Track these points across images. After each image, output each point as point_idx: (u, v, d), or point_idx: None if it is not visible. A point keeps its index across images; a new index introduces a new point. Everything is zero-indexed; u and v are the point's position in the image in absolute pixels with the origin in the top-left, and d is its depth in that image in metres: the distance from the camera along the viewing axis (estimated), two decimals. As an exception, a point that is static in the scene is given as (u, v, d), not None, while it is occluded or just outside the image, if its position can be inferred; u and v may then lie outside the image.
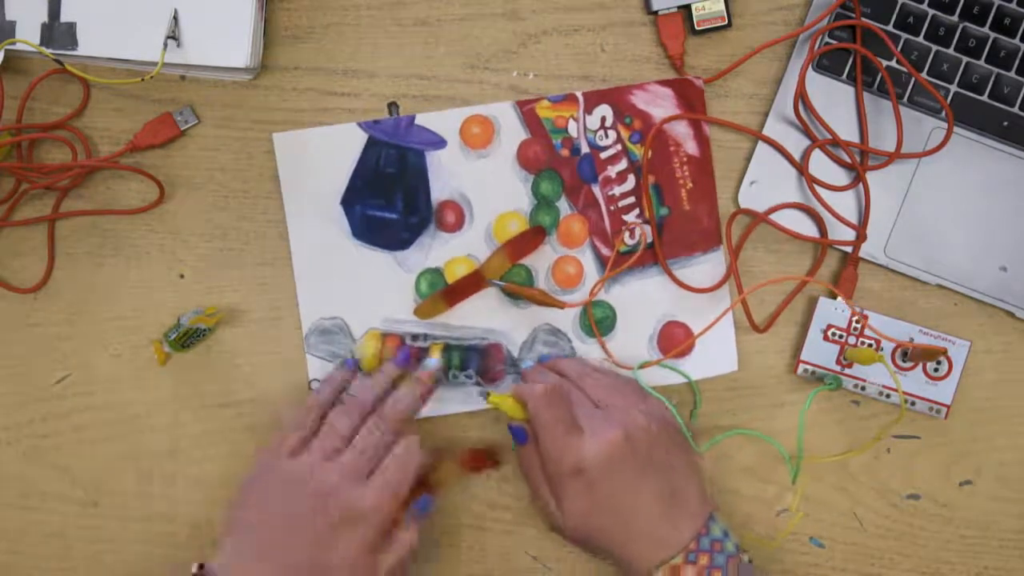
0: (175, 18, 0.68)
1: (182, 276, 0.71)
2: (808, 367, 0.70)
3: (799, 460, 0.68)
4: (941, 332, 0.69)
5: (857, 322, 0.69)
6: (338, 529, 0.60)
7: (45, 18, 0.68)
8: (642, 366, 0.69)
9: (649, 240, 0.70)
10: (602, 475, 0.61)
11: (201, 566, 0.60)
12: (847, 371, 0.69)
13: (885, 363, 0.65)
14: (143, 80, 0.67)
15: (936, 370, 0.69)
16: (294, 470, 0.62)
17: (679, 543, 0.61)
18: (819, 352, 0.69)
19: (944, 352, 0.67)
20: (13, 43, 0.67)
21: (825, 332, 0.69)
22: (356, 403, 0.65)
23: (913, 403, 0.69)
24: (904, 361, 0.69)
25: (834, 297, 0.70)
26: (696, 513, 0.62)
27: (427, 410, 0.70)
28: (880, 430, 0.70)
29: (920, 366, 0.69)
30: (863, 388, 0.69)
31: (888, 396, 0.69)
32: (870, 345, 0.69)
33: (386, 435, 0.64)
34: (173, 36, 0.67)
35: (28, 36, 0.68)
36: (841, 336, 0.69)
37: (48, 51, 0.68)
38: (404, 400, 0.66)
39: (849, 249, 0.69)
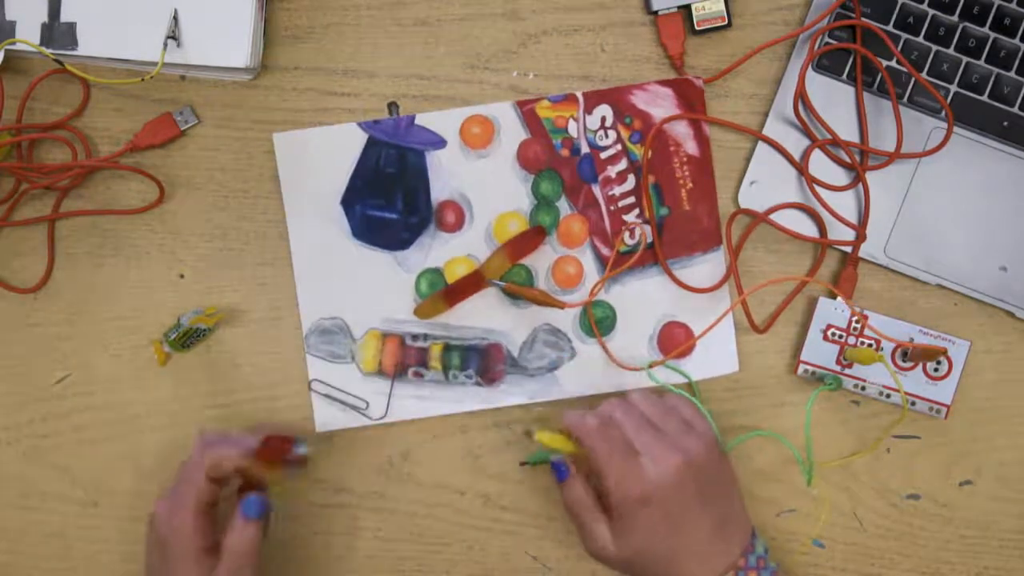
0: (175, 18, 0.68)
1: (182, 276, 0.71)
2: (808, 367, 0.70)
3: (810, 459, 0.68)
4: (941, 332, 0.69)
5: (857, 322, 0.69)
6: (165, 561, 0.62)
7: (45, 18, 0.68)
8: (651, 365, 0.69)
9: (649, 240, 0.70)
10: (667, 502, 0.61)
11: None
12: (847, 371, 0.69)
13: (885, 363, 0.65)
14: (143, 80, 0.67)
15: (936, 370, 0.69)
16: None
17: (729, 561, 0.62)
18: (819, 352, 0.69)
19: (944, 352, 0.67)
20: (13, 43, 0.67)
21: (825, 332, 0.69)
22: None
23: (913, 403, 0.69)
24: (904, 361, 0.69)
25: (834, 297, 0.70)
26: (742, 531, 0.63)
27: (427, 410, 0.70)
28: (883, 430, 0.70)
29: (920, 366, 0.69)
30: (863, 388, 0.69)
31: (888, 396, 0.69)
32: (870, 345, 0.69)
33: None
34: (173, 36, 0.67)
35: (28, 36, 0.68)
36: (841, 336, 0.69)
37: (48, 51, 0.68)
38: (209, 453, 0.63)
39: (849, 249, 0.69)
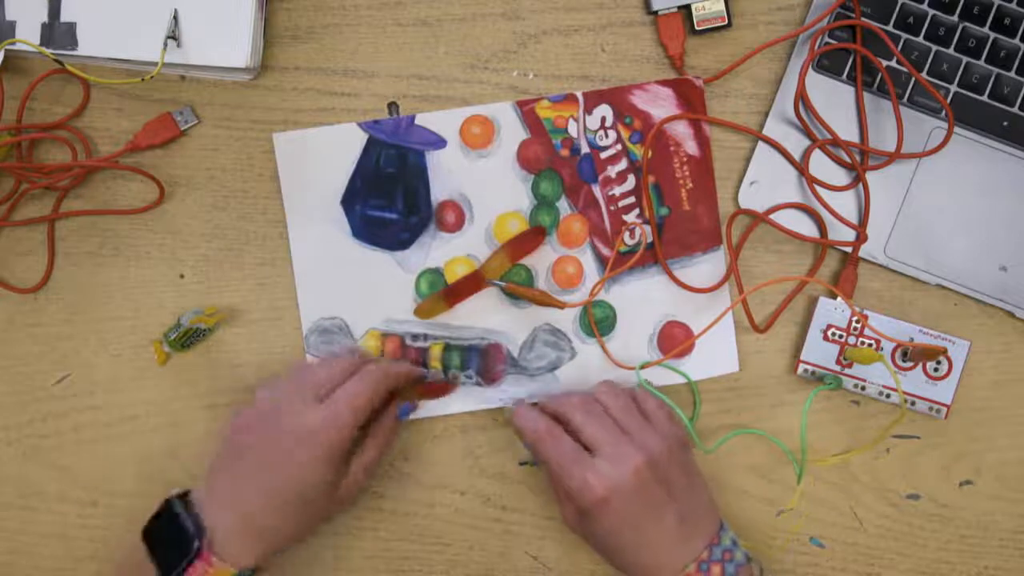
0: (175, 18, 0.68)
1: (182, 276, 0.71)
2: (808, 367, 0.70)
3: (803, 459, 0.68)
4: (941, 332, 0.69)
5: (857, 322, 0.69)
6: (293, 449, 0.62)
7: (45, 18, 0.68)
8: (643, 366, 0.69)
9: (649, 240, 0.70)
10: (628, 503, 0.61)
11: (185, 492, 0.63)
12: (847, 371, 0.69)
13: (885, 363, 0.65)
14: (143, 80, 0.67)
15: (936, 370, 0.69)
16: (257, 403, 0.65)
17: (691, 555, 0.62)
18: (819, 352, 0.69)
19: (944, 352, 0.67)
20: (13, 43, 0.67)
21: (825, 332, 0.69)
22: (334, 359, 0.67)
23: (913, 403, 0.69)
24: (904, 361, 0.69)
25: (834, 297, 0.70)
26: (707, 525, 0.64)
27: (427, 410, 0.70)
28: (882, 430, 0.70)
29: (920, 366, 0.69)
30: (863, 388, 0.69)
31: (888, 396, 0.69)
32: (870, 345, 0.69)
33: (352, 368, 0.65)
34: (173, 36, 0.67)
35: (28, 36, 0.68)
36: (841, 336, 0.69)
37: (48, 51, 0.68)
38: (395, 366, 0.67)
39: (849, 249, 0.69)
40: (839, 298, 0.69)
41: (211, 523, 0.61)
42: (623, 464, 0.61)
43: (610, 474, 0.61)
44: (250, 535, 0.61)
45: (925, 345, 0.68)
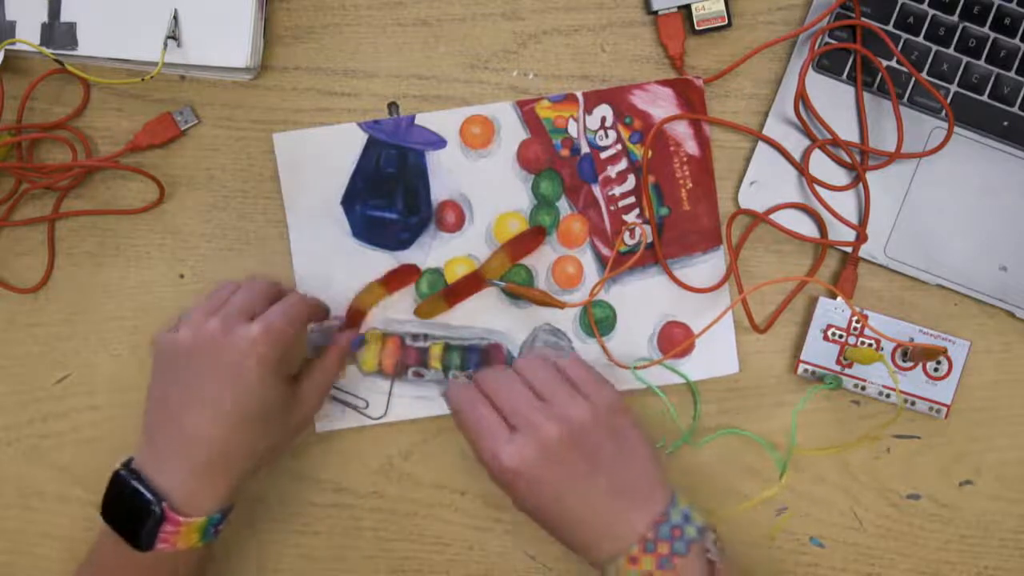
0: (175, 18, 0.68)
1: (182, 276, 0.71)
2: (808, 367, 0.70)
3: (789, 455, 0.68)
4: (941, 332, 0.69)
5: (857, 322, 0.69)
6: (236, 363, 0.59)
7: (45, 18, 0.69)
8: (640, 366, 0.69)
9: (649, 240, 0.70)
10: (542, 474, 0.59)
11: (129, 460, 0.61)
12: (847, 371, 0.69)
13: (885, 362, 0.65)
14: (143, 80, 0.67)
15: (936, 370, 0.69)
16: (175, 341, 0.61)
17: (632, 534, 0.58)
18: (819, 352, 0.69)
19: (944, 352, 0.67)
20: (13, 43, 0.68)
21: (825, 332, 0.69)
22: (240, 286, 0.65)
23: (913, 403, 0.69)
24: (904, 361, 0.69)
25: (834, 297, 0.70)
26: (651, 501, 0.60)
27: (427, 410, 0.70)
28: (874, 428, 0.70)
29: (920, 366, 0.69)
30: (863, 388, 0.69)
31: (888, 396, 0.69)
32: (870, 345, 0.69)
33: (270, 288, 0.65)
34: (173, 36, 0.67)
35: (28, 36, 0.68)
36: (841, 336, 0.69)
37: (48, 51, 0.68)
38: (311, 297, 0.67)
39: (849, 249, 0.69)
40: (839, 298, 0.69)
41: (162, 481, 0.59)
42: (533, 435, 0.59)
43: (519, 446, 0.59)
44: (207, 476, 0.59)
45: (925, 345, 0.68)
